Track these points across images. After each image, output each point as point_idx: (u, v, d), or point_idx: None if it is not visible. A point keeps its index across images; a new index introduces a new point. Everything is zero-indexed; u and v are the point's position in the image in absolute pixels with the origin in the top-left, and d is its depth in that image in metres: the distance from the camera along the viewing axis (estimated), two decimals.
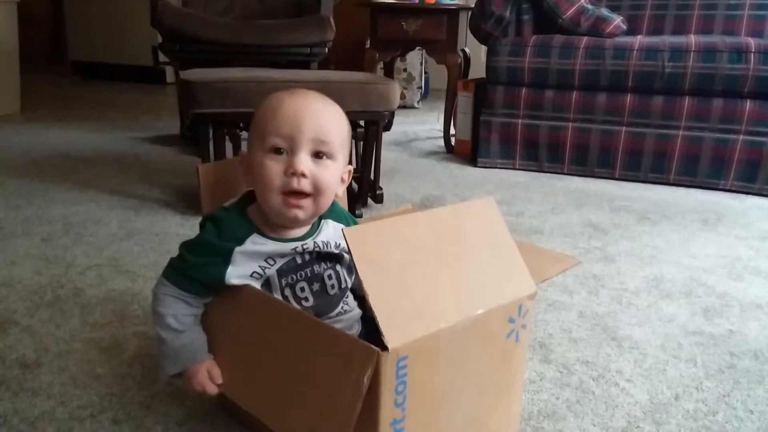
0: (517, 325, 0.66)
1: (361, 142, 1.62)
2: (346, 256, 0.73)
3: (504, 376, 0.67)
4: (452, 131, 2.48)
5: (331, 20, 2.13)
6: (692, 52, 1.87)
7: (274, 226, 0.69)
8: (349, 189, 1.65)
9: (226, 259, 0.65)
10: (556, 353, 0.94)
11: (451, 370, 0.60)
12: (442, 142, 2.56)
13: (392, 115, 1.54)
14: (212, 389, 0.67)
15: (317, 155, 0.66)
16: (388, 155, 2.28)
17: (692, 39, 1.93)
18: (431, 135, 2.82)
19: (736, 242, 1.48)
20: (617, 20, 2.03)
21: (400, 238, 0.58)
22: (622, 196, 1.87)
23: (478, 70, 2.57)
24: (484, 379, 0.65)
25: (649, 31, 2.25)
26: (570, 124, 2.05)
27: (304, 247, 0.69)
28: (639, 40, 1.97)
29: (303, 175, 0.65)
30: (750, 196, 1.90)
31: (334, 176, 0.68)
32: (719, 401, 0.83)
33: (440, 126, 2.71)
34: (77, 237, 1.37)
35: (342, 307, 0.72)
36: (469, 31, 2.26)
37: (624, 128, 2.00)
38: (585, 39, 2.00)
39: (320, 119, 0.66)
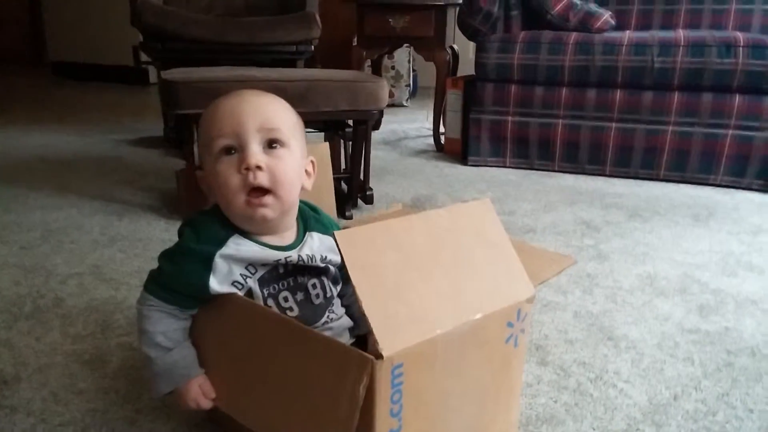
0: (516, 330, 0.64)
1: (350, 142, 1.59)
2: (332, 269, 0.70)
3: (503, 382, 0.65)
4: (442, 129, 2.46)
5: (317, 17, 2.10)
6: (681, 47, 1.86)
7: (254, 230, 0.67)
8: (339, 190, 1.62)
9: (207, 266, 0.62)
10: (553, 355, 0.92)
11: (449, 377, 0.58)
12: (431, 141, 2.54)
13: (381, 113, 1.52)
14: (206, 404, 0.65)
15: (270, 145, 0.64)
16: (377, 155, 2.26)
17: (681, 34, 1.92)
18: (420, 133, 2.79)
19: (728, 237, 1.47)
20: (606, 15, 2.03)
21: (394, 241, 0.56)
22: (613, 192, 1.86)
23: (467, 67, 2.56)
24: (483, 386, 0.63)
25: (637, 26, 2.25)
26: (560, 121, 2.04)
27: (288, 259, 0.66)
28: (628, 35, 1.96)
29: (258, 167, 0.62)
30: (740, 190, 1.90)
31: (291, 166, 0.65)
32: (718, 401, 0.81)
33: (429, 124, 2.69)
34: (58, 244, 1.32)
35: (328, 316, 0.70)
36: (457, 28, 2.24)
37: (614, 124, 1.99)
38: (574, 35, 1.99)
39: (262, 109, 0.64)
